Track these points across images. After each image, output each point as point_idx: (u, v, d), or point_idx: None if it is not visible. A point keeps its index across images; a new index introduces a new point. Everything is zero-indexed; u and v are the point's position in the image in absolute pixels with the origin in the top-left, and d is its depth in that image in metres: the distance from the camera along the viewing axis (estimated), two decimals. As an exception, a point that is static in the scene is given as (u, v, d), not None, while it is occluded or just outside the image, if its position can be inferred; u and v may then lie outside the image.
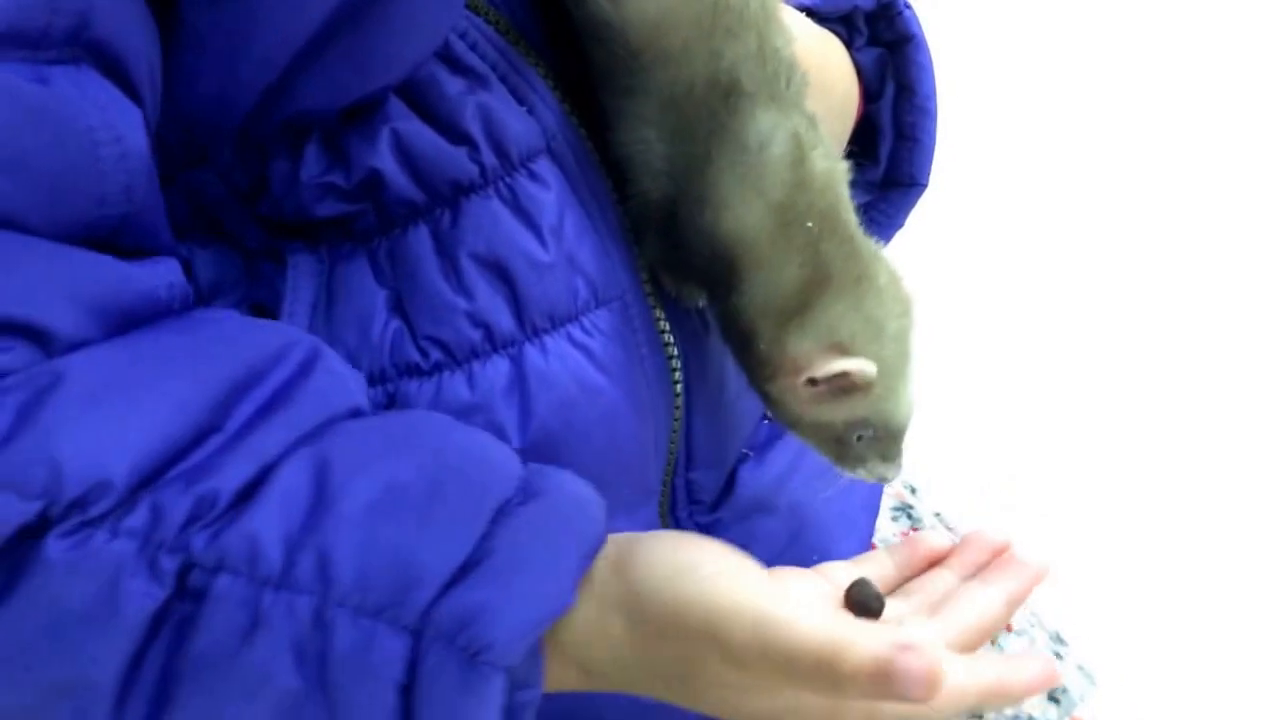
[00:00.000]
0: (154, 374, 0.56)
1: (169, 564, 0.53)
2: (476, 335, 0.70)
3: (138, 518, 0.53)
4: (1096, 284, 2.42)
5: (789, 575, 0.64)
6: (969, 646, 0.61)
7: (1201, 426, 2.15)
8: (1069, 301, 2.38)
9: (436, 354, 0.70)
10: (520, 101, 0.72)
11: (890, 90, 0.87)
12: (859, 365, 0.69)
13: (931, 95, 0.87)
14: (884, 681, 0.50)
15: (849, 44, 0.85)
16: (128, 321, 0.58)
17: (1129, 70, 2.83)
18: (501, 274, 0.71)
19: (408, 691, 0.53)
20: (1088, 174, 2.65)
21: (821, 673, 0.52)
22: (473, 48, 0.71)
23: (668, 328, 0.78)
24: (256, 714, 0.53)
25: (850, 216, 0.72)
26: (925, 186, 0.91)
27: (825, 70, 0.80)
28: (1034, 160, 2.66)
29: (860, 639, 0.51)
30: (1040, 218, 2.54)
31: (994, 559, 0.66)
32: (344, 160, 0.68)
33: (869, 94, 0.87)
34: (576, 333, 0.73)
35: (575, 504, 0.61)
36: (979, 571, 0.66)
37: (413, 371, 0.70)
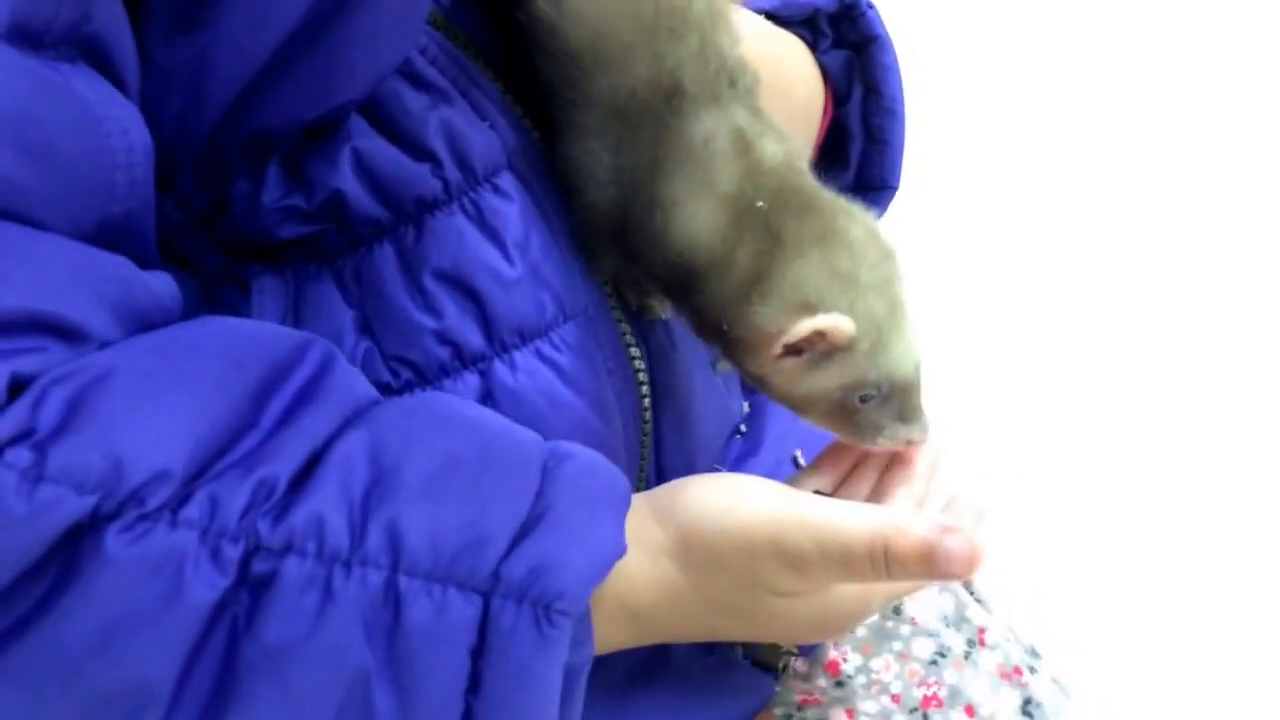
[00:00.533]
0: (193, 369, 0.56)
1: (232, 551, 0.53)
2: (445, 353, 0.70)
3: (196, 507, 0.52)
4: (1097, 288, 2.44)
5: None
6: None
7: (1185, 437, 2.15)
8: (1060, 319, 2.40)
9: (406, 373, 0.70)
10: (481, 116, 0.71)
11: (858, 93, 0.86)
12: (831, 321, 0.66)
13: (898, 96, 0.86)
14: (931, 562, 0.57)
15: (814, 47, 0.84)
16: (144, 326, 0.58)
17: (1133, 65, 2.85)
18: (468, 292, 0.70)
19: (477, 655, 0.54)
20: (1088, 171, 2.66)
21: (875, 561, 0.59)
22: (433, 63, 0.70)
23: (634, 341, 0.77)
24: (326, 697, 0.53)
25: (807, 182, 0.71)
26: (896, 189, 0.91)
27: (784, 74, 0.79)
28: (1038, 155, 2.67)
29: (907, 526, 0.59)
30: (1033, 223, 2.56)
31: (897, 452, 0.74)
32: (305, 182, 0.67)
33: (837, 97, 0.87)
34: (545, 348, 0.72)
35: (597, 462, 0.63)
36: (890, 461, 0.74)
37: (384, 390, 0.69)
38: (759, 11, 0.81)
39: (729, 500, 0.62)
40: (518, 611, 0.54)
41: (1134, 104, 2.76)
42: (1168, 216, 2.57)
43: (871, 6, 0.84)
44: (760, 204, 0.68)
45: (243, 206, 0.68)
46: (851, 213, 0.70)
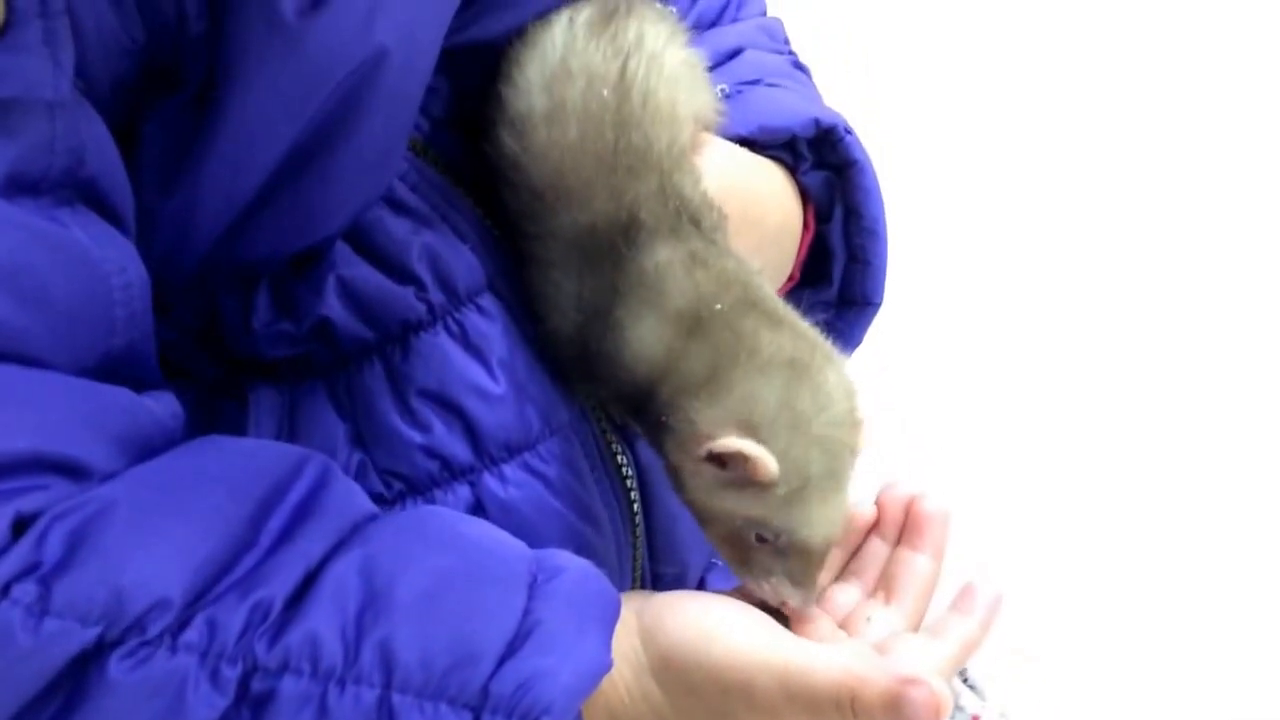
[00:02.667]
0: (191, 495, 0.58)
1: (230, 672, 0.55)
2: (434, 467, 0.73)
3: (195, 632, 0.55)
4: (1089, 300, 2.43)
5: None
6: (921, 612, 0.70)
7: (1167, 452, 2.14)
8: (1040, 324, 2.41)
9: (398, 485, 0.73)
10: (461, 239, 0.74)
11: (839, 213, 0.87)
12: (757, 452, 0.64)
13: (879, 218, 0.87)
14: (896, 711, 0.58)
15: (795, 168, 0.86)
16: (147, 452, 0.60)
17: (1124, 73, 2.83)
18: (454, 409, 0.73)
19: None
20: (1077, 183, 2.66)
21: (841, 709, 0.60)
22: (414, 189, 0.73)
23: (621, 449, 0.79)
24: None
25: (778, 305, 0.71)
26: (879, 305, 0.91)
27: (755, 204, 0.81)
28: (1006, 189, 2.68)
29: (871, 677, 0.59)
30: (1028, 227, 2.57)
31: (908, 515, 0.72)
32: (293, 308, 0.71)
33: (819, 215, 0.88)
34: (533, 460, 0.75)
35: (588, 577, 0.64)
36: (903, 532, 0.73)
37: (378, 500, 0.72)
38: (735, 138, 0.83)
39: (704, 634, 0.63)
40: None
41: (1123, 111, 2.73)
42: (1157, 226, 2.54)
43: (850, 131, 0.86)
44: (719, 306, 0.69)
45: (233, 330, 0.71)
46: (831, 355, 0.70)
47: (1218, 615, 1.89)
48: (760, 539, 0.67)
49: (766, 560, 0.68)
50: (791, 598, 0.68)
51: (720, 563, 0.91)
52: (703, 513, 0.70)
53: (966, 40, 3.05)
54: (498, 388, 0.74)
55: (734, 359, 0.67)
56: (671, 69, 0.75)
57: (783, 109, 0.85)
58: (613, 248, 0.71)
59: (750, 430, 0.66)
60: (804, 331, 0.70)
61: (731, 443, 0.65)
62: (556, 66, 0.73)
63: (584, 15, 0.75)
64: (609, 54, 0.72)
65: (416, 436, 0.73)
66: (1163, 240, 2.53)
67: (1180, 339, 2.31)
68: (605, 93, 0.71)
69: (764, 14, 1.00)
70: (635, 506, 0.81)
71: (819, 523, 0.67)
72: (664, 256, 0.70)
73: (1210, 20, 2.62)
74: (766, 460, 0.65)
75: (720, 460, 0.66)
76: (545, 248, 0.73)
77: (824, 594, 0.71)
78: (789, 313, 0.71)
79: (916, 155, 2.45)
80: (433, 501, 0.73)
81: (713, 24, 0.95)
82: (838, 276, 0.90)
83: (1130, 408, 2.18)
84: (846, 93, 1.10)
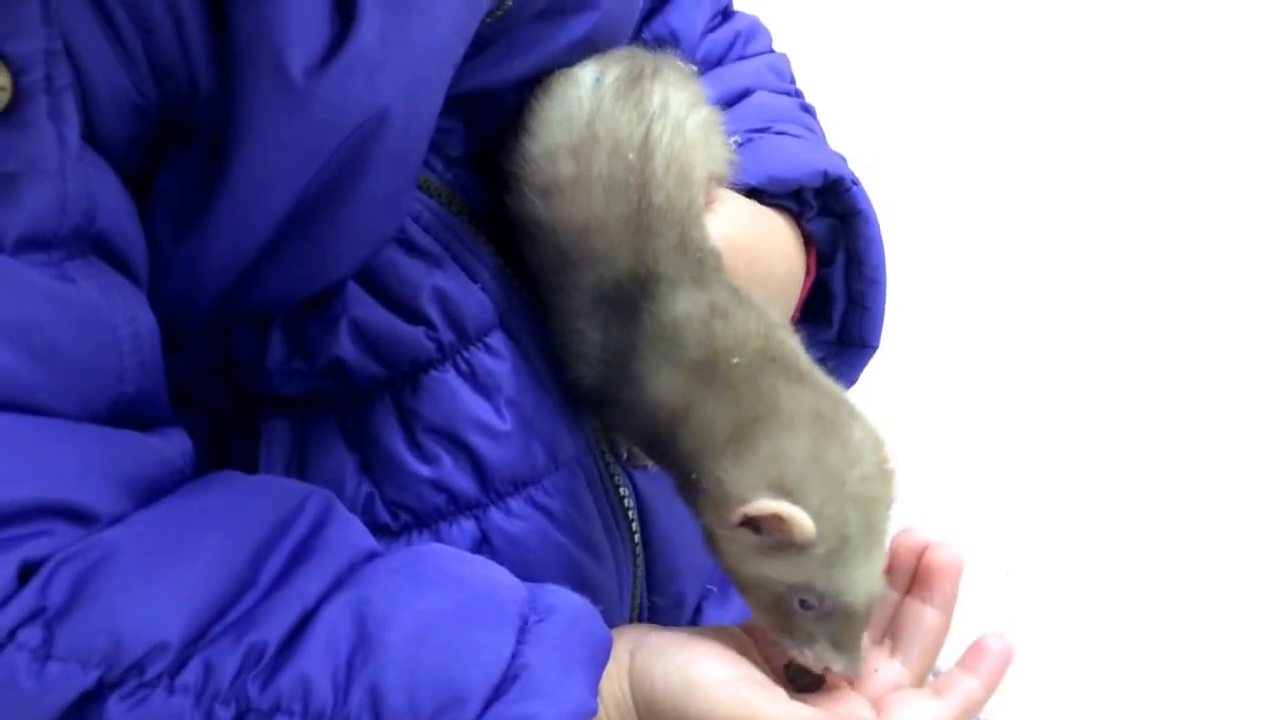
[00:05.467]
0: (192, 539, 0.60)
1: (224, 713, 0.57)
2: (440, 500, 0.74)
3: (191, 674, 0.57)
4: (1076, 310, 2.47)
5: (767, 638, 0.70)
6: (927, 666, 0.70)
7: (1153, 464, 2.17)
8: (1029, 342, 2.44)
9: (405, 517, 0.74)
10: (473, 278, 0.76)
11: (841, 258, 0.89)
12: (794, 514, 0.63)
13: (880, 266, 0.89)
14: None
15: (800, 215, 0.87)
16: (155, 492, 0.62)
17: (1120, 79, 2.85)
18: (461, 445, 0.74)
19: None
20: (1074, 191, 2.69)
21: None
22: (426, 229, 0.75)
23: (622, 481, 0.81)
24: None
25: (800, 359, 0.71)
26: (876, 348, 0.93)
27: (760, 258, 0.82)
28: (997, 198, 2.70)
29: None
30: (1022, 232, 2.59)
31: (920, 564, 0.70)
32: (306, 348, 0.72)
33: (822, 258, 0.89)
34: (539, 495, 0.76)
35: (581, 617, 0.66)
36: (913, 581, 0.71)
37: (383, 531, 0.74)
38: (745, 188, 0.84)
39: (686, 684, 0.65)
40: None
41: (1120, 116, 2.76)
42: (1149, 248, 2.57)
43: (856, 182, 0.87)
44: (736, 360, 0.68)
45: (247, 367, 0.73)
46: (853, 409, 0.68)
47: (1216, 618, 1.91)
48: (804, 605, 0.65)
49: (810, 626, 0.66)
50: (836, 663, 0.66)
51: (717, 589, 0.93)
52: (743, 580, 0.68)
53: (964, 76, 3.08)
54: (504, 425, 0.75)
55: (756, 415, 0.66)
56: (692, 134, 0.76)
57: (792, 159, 0.86)
58: (633, 302, 0.72)
59: (783, 491, 0.64)
60: (826, 386, 0.69)
61: (765, 505, 0.63)
62: (583, 131, 0.74)
63: (611, 76, 0.76)
64: (634, 118, 0.74)
65: (424, 470, 0.74)
66: (1154, 264, 2.56)
67: (1166, 360, 2.32)
68: (630, 156, 0.72)
69: (770, 49, 1.01)
70: (636, 537, 0.82)
71: (860, 581, 0.65)
72: (684, 309, 0.71)
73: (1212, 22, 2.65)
74: (803, 520, 0.63)
75: (755, 525, 0.65)
76: (569, 298, 0.74)
77: None
78: (811, 367, 0.71)
79: (913, 189, 2.48)
80: (439, 534, 0.75)
81: (720, 60, 0.96)
82: (838, 320, 0.92)
83: (1119, 431, 2.19)
84: (846, 128, 1.12)
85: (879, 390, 1.03)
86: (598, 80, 0.76)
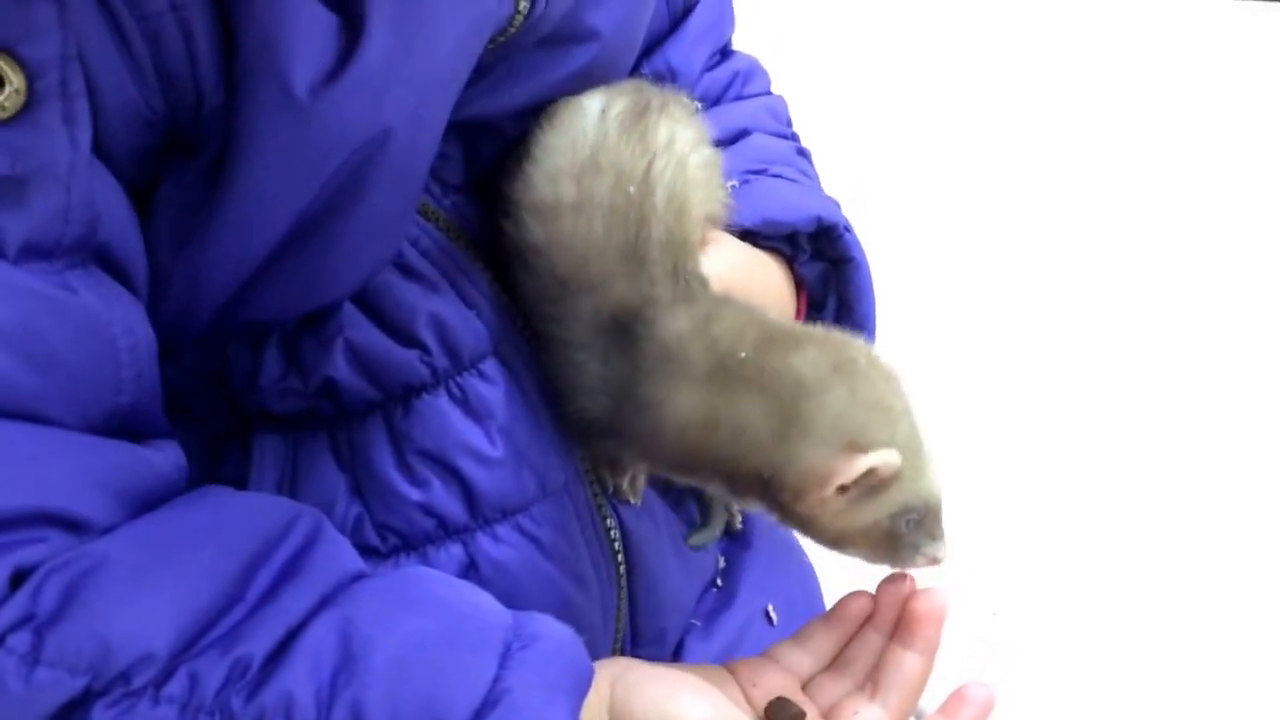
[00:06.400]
0: (183, 551, 0.60)
1: None
2: (429, 524, 0.75)
3: (177, 685, 0.57)
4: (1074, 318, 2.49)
5: (753, 675, 0.71)
6: (906, 711, 0.71)
7: (1141, 465, 2.22)
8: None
9: (394, 539, 0.75)
10: (469, 304, 0.76)
11: (832, 303, 0.90)
12: (882, 458, 0.67)
13: (869, 314, 0.89)
14: None
15: (793, 259, 0.88)
16: (148, 503, 0.62)
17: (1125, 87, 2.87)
18: (451, 470, 0.75)
19: None
20: (1072, 201, 2.71)
21: None
22: (424, 255, 0.75)
23: (609, 512, 0.81)
24: None
25: (791, 327, 0.73)
26: None
27: (753, 298, 0.82)
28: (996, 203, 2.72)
29: None
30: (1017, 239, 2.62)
31: (904, 610, 0.72)
32: (301, 367, 0.72)
33: (813, 302, 0.90)
34: (526, 523, 0.77)
35: (564, 646, 0.66)
36: (896, 628, 0.72)
37: (372, 553, 0.74)
38: (739, 229, 0.85)
39: (665, 717, 0.66)
40: None
41: (1127, 138, 2.79)
42: (1142, 246, 2.61)
43: (849, 229, 0.88)
44: (743, 354, 0.70)
45: (241, 383, 0.73)
46: (848, 340, 0.72)
47: (1204, 661, 1.92)
48: (909, 523, 0.70)
49: (910, 539, 0.70)
50: (940, 550, 0.71)
51: (699, 624, 0.93)
52: (849, 537, 0.71)
53: (956, 121, 3.11)
54: (495, 451, 0.76)
55: (789, 396, 0.69)
56: (694, 172, 0.77)
57: (787, 203, 0.87)
58: (629, 330, 0.73)
59: (855, 445, 0.67)
60: (818, 336, 0.73)
61: (857, 465, 0.67)
62: (586, 160, 0.75)
63: (618, 108, 0.77)
64: (638, 151, 0.75)
65: (414, 494, 0.75)
66: (1147, 281, 2.60)
67: (1152, 397, 2.35)
68: (631, 189, 0.74)
69: (768, 91, 1.02)
70: (621, 569, 0.83)
71: (935, 474, 0.70)
72: (680, 327, 0.72)
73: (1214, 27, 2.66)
74: (889, 458, 0.67)
75: (843, 487, 0.68)
76: (567, 329, 0.75)
77: (813, 683, 0.73)
78: (802, 328, 0.74)
79: (902, 231, 2.51)
80: (426, 558, 0.75)
81: (718, 99, 0.97)
82: None
83: (1105, 471, 2.21)
84: (839, 168, 1.14)
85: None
86: (604, 111, 0.77)
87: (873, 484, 0.68)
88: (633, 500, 0.83)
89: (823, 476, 0.68)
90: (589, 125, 0.76)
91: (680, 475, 0.78)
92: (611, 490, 0.82)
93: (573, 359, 0.75)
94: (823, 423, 0.68)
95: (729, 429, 0.70)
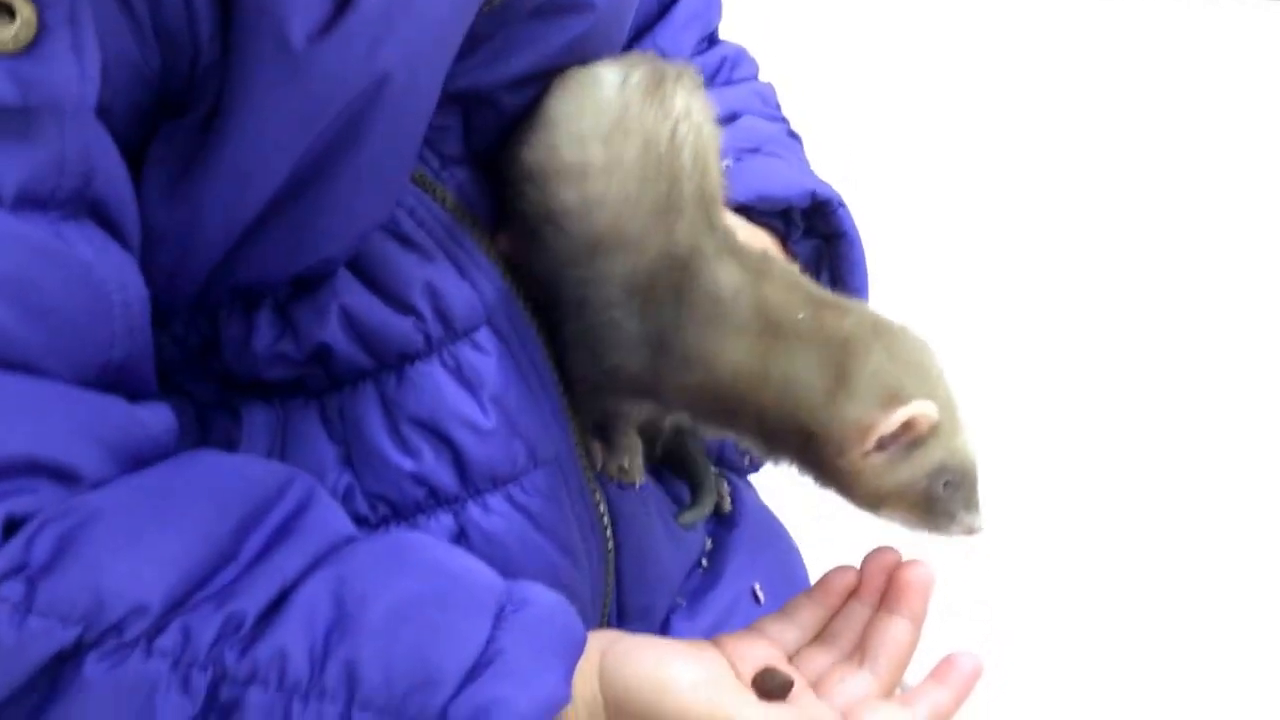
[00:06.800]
0: (177, 509, 0.61)
1: (200, 680, 0.58)
2: (420, 494, 0.75)
3: (170, 638, 0.58)
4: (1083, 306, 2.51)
5: (740, 648, 0.71)
6: (896, 678, 0.71)
7: (1136, 450, 2.24)
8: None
9: (384, 509, 0.75)
10: (462, 273, 0.76)
11: (825, 281, 0.90)
12: (920, 408, 0.68)
13: (862, 289, 0.90)
14: None
15: (786, 236, 0.89)
16: (139, 461, 0.62)
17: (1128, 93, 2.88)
18: (443, 439, 0.75)
19: None
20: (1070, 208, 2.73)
21: None
22: (421, 225, 0.75)
23: (597, 486, 0.82)
24: None
25: (826, 292, 0.75)
26: None
27: None
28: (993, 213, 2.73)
29: None
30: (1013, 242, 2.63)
31: (891, 580, 0.72)
32: (294, 331, 0.72)
33: None
34: (517, 493, 0.77)
35: (557, 611, 0.66)
36: (883, 597, 0.73)
37: (362, 523, 0.74)
38: (734, 204, 0.85)
39: (658, 685, 0.65)
40: None
41: (1131, 137, 2.81)
42: (1138, 239, 2.63)
43: (843, 205, 0.89)
44: (801, 315, 0.72)
45: (233, 349, 0.73)
46: (876, 312, 0.74)
47: (1194, 659, 1.93)
48: (946, 485, 0.71)
49: (945, 504, 0.71)
50: (977, 520, 0.72)
51: (685, 602, 0.93)
52: (885, 497, 0.72)
53: (944, 110, 3.13)
54: (488, 421, 0.76)
55: (839, 354, 0.71)
56: (709, 136, 0.78)
57: (781, 179, 0.88)
58: (673, 284, 0.73)
59: (895, 399, 0.69)
60: (851, 304, 0.75)
61: (895, 418, 0.69)
62: (613, 123, 0.75)
63: (636, 77, 0.77)
64: (660, 116, 0.76)
65: (405, 463, 0.75)
66: (1140, 273, 2.61)
67: (1141, 394, 2.38)
68: (660, 149, 0.75)
69: (756, 77, 1.03)
70: (610, 543, 0.83)
71: (970, 437, 0.72)
72: (731, 280, 0.73)
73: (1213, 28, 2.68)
74: (926, 409, 0.69)
75: (881, 444, 0.70)
76: (599, 290, 0.75)
77: (800, 655, 0.72)
78: (835, 295, 0.76)
79: (890, 215, 2.52)
80: (416, 527, 0.75)
81: (707, 84, 0.94)
82: None
83: (1093, 467, 2.23)
84: (828, 157, 1.15)
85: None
86: (624, 79, 0.77)
87: (911, 440, 0.70)
88: (636, 481, 0.83)
89: (864, 429, 0.70)
90: (610, 93, 0.76)
91: (717, 426, 0.78)
92: (600, 467, 0.82)
93: (608, 318, 0.75)
94: (865, 379, 0.70)
95: (779, 383, 0.72)
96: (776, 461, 0.76)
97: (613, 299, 0.75)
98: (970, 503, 0.72)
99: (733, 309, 0.73)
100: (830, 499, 0.74)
